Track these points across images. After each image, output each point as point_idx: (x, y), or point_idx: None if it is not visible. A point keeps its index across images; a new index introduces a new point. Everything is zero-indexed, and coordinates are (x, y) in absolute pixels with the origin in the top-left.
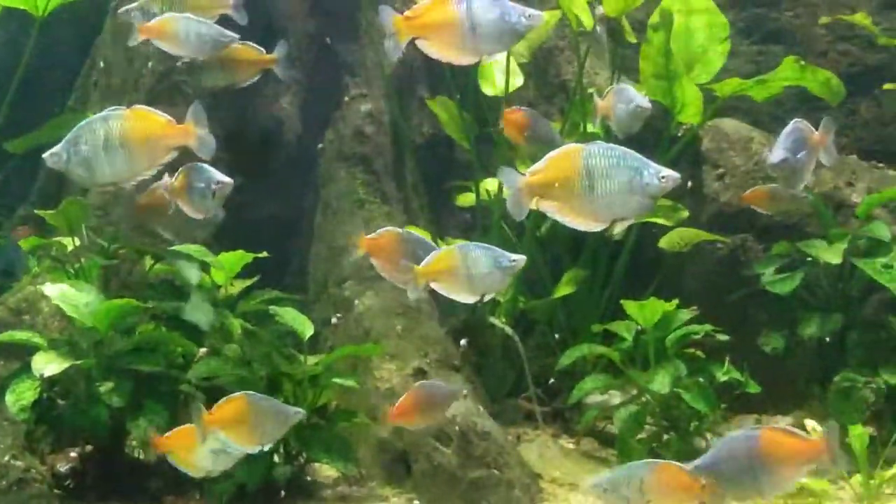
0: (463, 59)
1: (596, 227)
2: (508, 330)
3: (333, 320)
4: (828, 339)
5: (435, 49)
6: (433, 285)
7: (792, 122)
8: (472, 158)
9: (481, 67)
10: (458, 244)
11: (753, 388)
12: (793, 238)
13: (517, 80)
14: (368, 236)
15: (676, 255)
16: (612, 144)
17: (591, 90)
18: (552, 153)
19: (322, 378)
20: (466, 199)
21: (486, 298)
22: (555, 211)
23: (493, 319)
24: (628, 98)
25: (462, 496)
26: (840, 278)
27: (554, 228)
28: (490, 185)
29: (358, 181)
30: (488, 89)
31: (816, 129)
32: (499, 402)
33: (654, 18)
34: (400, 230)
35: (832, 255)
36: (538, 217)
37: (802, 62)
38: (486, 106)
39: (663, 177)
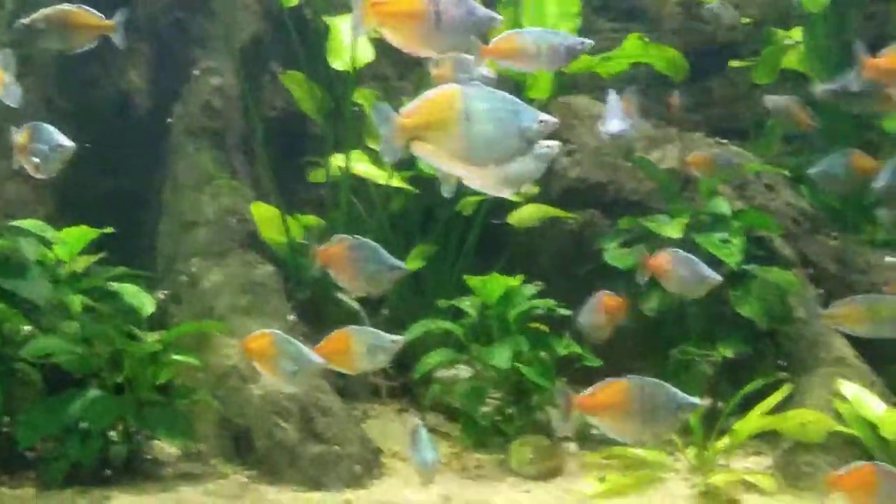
0: (423, 53)
1: (472, 173)
2: (355, 305)
3: (160, 296)
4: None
5: (397, 39)
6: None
7: (611, 92)
8: (324, 134)
9: (329, 42)
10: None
11: (593, 362)
12: (639, 213)
13: (367, 55)
14: (321, 248)
15: (527, 231)
16: (490, 88)
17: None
18: (427, 93)
19: (162, 356)
20: (318, 176)
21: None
22: (429, 154)
23: (340, 295)
24: (468, 67)
25: (301, 472)
26: None
27: (405, 203)
28: (339, 160)
29: (207, 156)
30: (337, 64)
31: None
32: (347, 378)
33: None
34: (351, 238)
35: (673, 230)
36: (390, 192)
37: (646, 39)
38: (337, 81)
39: (542, 121)
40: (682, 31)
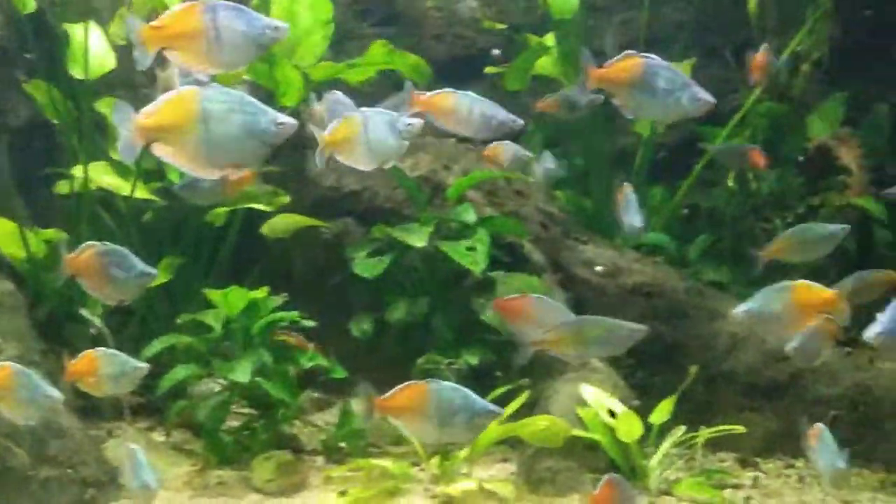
0: (210, 70)
1: (211, 174)
2: (97, 321)
3: None
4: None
5: (182, 59)
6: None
7: (333, 94)
8: (68, 144)
9: (69, 50)
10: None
11: (339, 374)
12: (391, 222)
13: (108, 63)
14: (70, 255)
15: (282, 241)
16: (229, 89)
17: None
18: (166, 95)
19: None
20: (65, 187)
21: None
22: (169, 155)
23: (83, 311)
24: (189, 72)
25: (31, 497)
26: (433, 262)
27: (157, 215)
28: (79, 172)
29: None
30: (77, 73)
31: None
32: (91, 397)
33: (255, 1)
34: (100, 245)
35: (417, 238)
36: (141, 204)
37: (390, 46)
38: (81, 90)
39: (280, 123)
40: (444, 36)
